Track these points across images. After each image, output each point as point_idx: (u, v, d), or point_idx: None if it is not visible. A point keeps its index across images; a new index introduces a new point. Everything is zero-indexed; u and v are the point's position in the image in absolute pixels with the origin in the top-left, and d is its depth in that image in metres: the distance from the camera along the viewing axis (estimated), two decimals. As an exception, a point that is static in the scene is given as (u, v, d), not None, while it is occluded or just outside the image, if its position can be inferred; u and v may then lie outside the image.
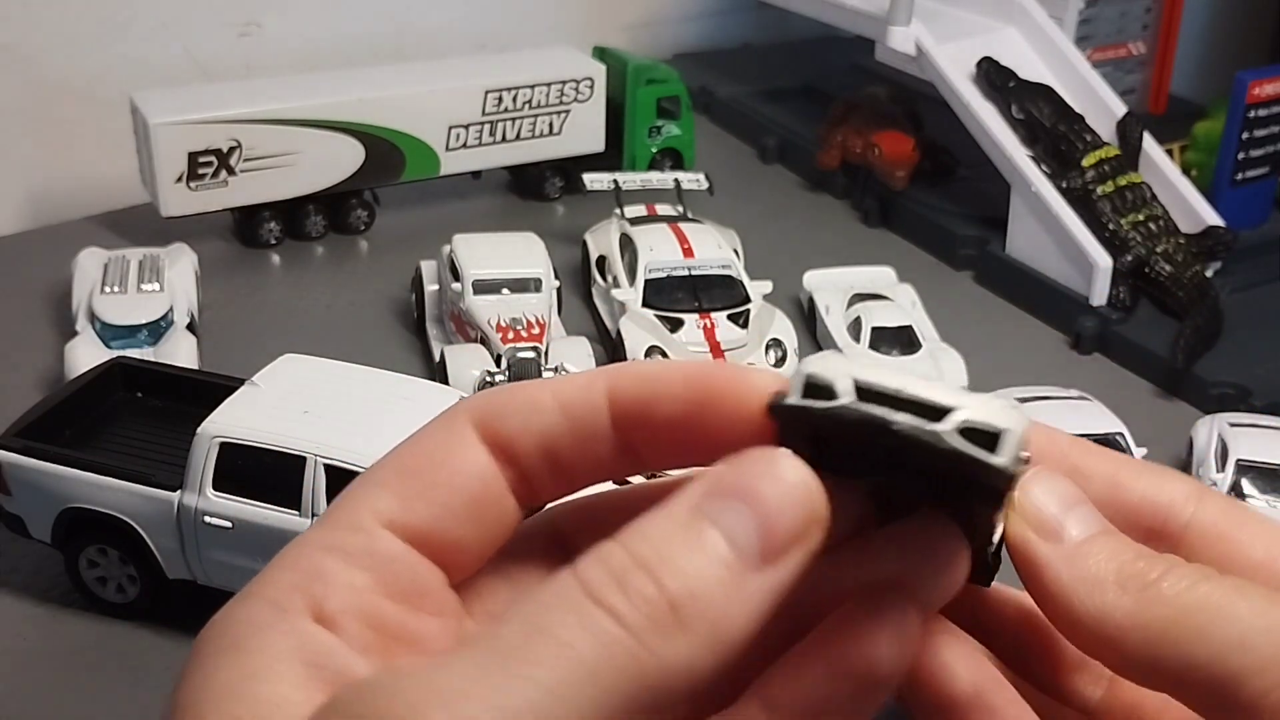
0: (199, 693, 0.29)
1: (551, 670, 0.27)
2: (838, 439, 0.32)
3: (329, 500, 0.72)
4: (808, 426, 0.32)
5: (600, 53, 1.41)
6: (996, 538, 0.35)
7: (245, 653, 0.30)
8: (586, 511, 0.38)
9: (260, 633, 0.30)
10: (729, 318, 1.03)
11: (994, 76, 1.22)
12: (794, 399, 0.32)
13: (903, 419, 0.31)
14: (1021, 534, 0.35)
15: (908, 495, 0.35)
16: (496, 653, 0.28)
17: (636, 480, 0.39)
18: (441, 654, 0.28)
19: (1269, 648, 0.31)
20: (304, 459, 0.72)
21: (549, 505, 0.37)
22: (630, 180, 1.22)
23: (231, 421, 0.74)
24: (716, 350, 1.00)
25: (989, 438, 0.31)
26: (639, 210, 1.18)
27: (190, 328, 1.04)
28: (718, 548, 0.29)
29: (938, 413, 0.31)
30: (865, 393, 0.31)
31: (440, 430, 0.35)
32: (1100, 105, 1.24)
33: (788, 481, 0.30)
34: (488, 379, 0.96)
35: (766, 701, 0.33)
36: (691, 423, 0.34)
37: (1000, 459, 0.31)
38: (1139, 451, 0.87)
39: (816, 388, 0.32)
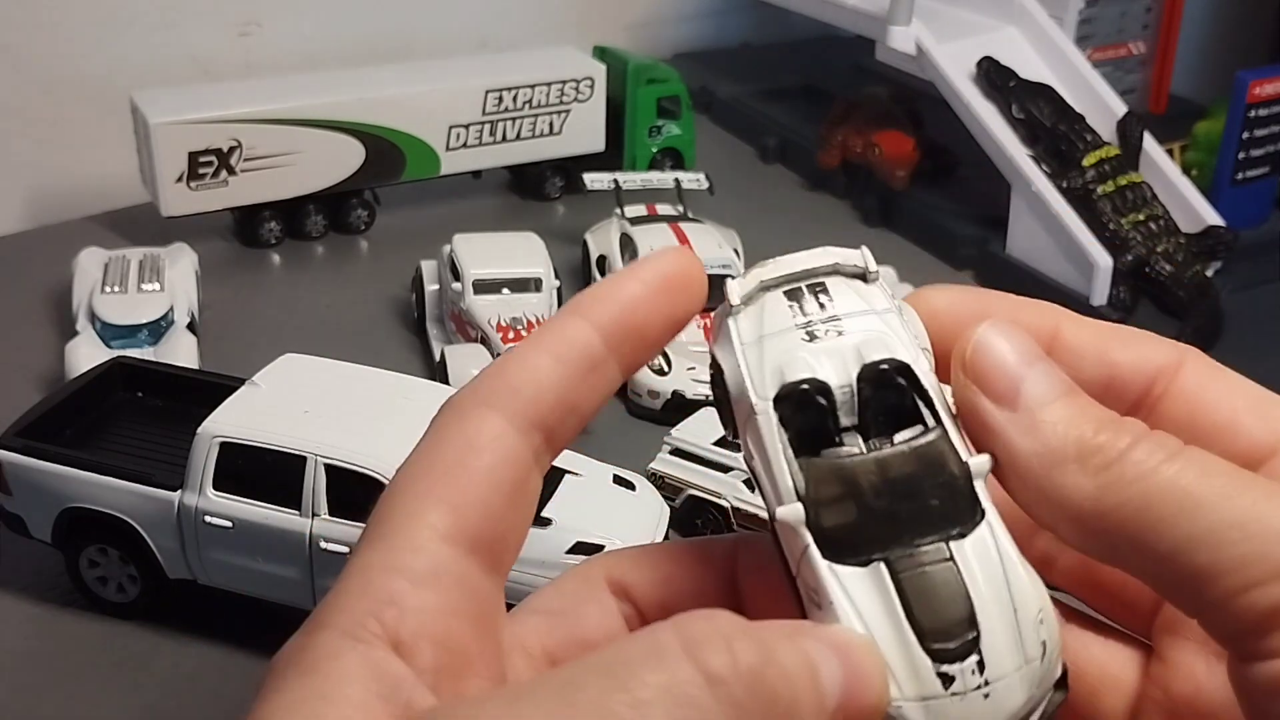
0: (268, 713, 0.29)
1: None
2: None
3: (329, 500, 0.72)
4: None
5: (600, 52, 1.41)
6: None
7: (317, 675, 0.29)
8: (638, 560, 0.38)
9: (333, 659, 0.30)
10: (729, 317, 1.03)
11: (994, 76, 1.22)
12: None
13: None
14: (971, 400, 0.32)
15: None
16: (569, 693, 0.27)
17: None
18: (511, 686, 0.28)
19: (1240, 544, 0.29)
20: (304, 459, 0.72)
21: (602, 554, 0.38)
22: (630, 180, 1.22)
23: (232, 421, 0.74)
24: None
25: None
26: (639, 210, 1.18)
27: (190, 327, 1.04)
28: (816, 673, 0.29)
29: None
30: None
31: (459, 425, 0.34)
32: (1100, 105, 1.24)
33: (876, 658, 0.30)
34: (488, 379, 0.96)
35: None
36: (668, 312, 0.35)
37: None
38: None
39: None
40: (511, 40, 1.57)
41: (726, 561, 0.37)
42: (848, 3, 1.31)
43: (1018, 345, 0.33)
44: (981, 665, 0.30)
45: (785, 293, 0.34)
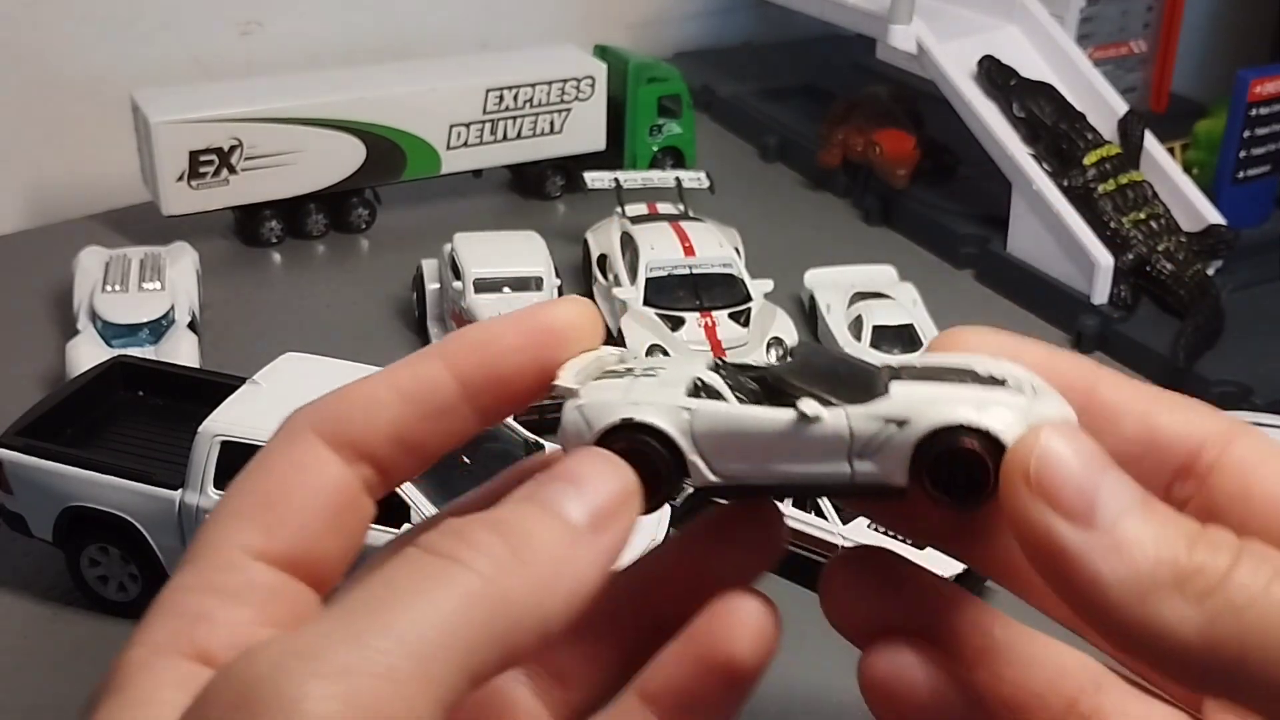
0: None
1: (406, 614, 0.28)
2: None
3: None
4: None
5: (601, 51, 1.41)
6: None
7: (129, 688, 0.30)
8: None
9: (142, 671, 0.30)
10: (730, 316, 1.03)
11: (995, 75, 1.22)
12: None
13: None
14: (1041, 520, 0.29)
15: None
16: (353, 610, 0.28)
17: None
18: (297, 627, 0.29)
19: None
20: (305, 458, 0.72)
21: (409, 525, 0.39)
22: (631, 179, 1.22)
23: (233, 420, 0.74)
24: (717, 349, 1.00)
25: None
26: (640, 209, 1.18)
27: (191, 326, 1.04)
28: (551, 515, 0.31)
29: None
30: None
31: (286, 448, 0.35)
32: (1101, 103, 1.24)
33: (605, 464, 0.33)
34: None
35: (644, 696, 0.35)
36: (536, 365, 0.35)
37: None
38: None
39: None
40: (512, 39, 1.57)
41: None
42: (849, 2, 1.31)
43: (1084, 452, 0.30)
44: (1011, 375, 0.33)
45: (597, 377, 0.37)
